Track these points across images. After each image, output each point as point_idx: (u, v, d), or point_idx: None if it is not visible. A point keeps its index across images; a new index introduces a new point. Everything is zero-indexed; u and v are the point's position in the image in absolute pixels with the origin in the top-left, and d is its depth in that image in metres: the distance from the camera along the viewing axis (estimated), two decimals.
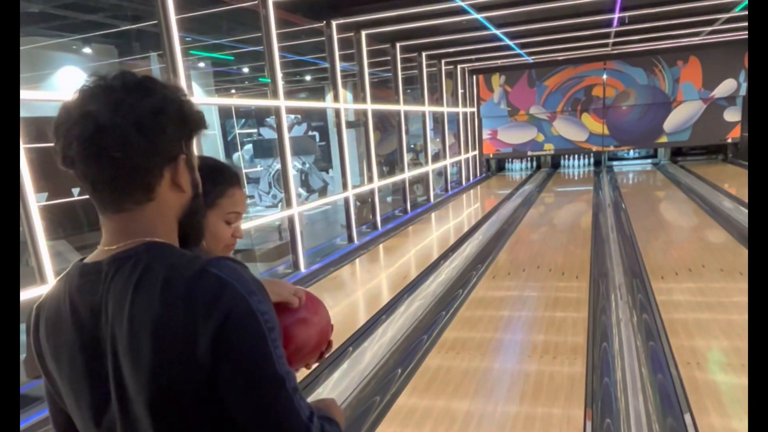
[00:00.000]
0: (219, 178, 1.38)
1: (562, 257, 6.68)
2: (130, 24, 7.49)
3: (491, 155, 16.49)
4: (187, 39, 8.31)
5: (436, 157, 13.03)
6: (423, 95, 11.38)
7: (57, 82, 8.36)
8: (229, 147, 18.29)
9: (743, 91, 14.00)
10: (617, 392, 3.32)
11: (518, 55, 12.86)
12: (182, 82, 4.92)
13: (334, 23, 7.53)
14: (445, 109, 13.12)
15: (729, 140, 14.51)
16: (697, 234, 7.73)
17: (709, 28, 10.79)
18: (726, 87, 14.14)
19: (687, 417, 2.97)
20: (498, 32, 9.39)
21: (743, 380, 3.35)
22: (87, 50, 8.62)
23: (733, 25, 10.61)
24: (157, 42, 5.01)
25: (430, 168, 11.56)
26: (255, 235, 8.47)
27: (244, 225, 6.39)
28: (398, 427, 3.17)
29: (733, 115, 14.31)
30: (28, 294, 3.28)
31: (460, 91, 14.46)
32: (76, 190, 5.36)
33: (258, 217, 7.74)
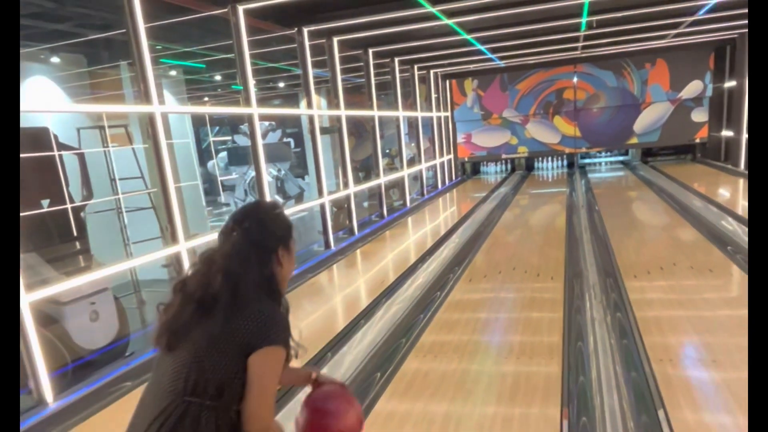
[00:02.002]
0: (291, 228, 1.72)
1: (538, 258, 6.75)
2: (99, 33, 7.38)
3: (466, 159, 16.61)
4: (158, 47, 8.23)
5: (412, 162, 13.08)
6: (397, 100, 11.43)
7: (25, 93, 8.21)
8: (204, 155, 18.16)
9: (709, 92, 14.33)
10: (593, 391, 3.36)
11: (490, 60, 13.00)
12: (152, 91, 4.88)
13: (305, 30, 7.52)
14: (419, 114, 13.18)
15: (697, 140, 14.84)
16: (668, 233, 7.88)
17: (674, 31, 11.04)
18: (693, 88, 14.46)
19: (661, 413, 3.02)
20: (469, 37, 9.48)
21: (714, 375, 3.43)
22: (55, 60, 8.48)
23: (697, 28, 10.87)
24: (127, 51, 4.95)
25: (405, 173, 11.60)
26: None
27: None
28: None
29: (700, 115, 14.64)
30: None
31: (433, 95, 14.54)
32: (45, 202, 5.27)
33: None
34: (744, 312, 4.56)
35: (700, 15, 9.29)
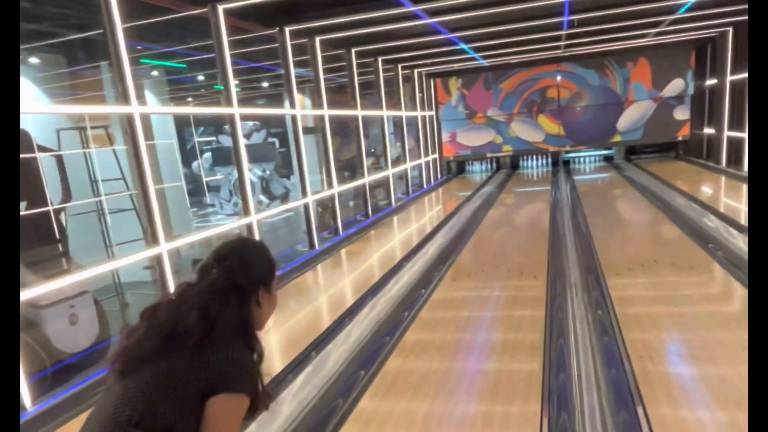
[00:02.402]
0: (273, 268, 1.70)
1: (521, 256, 6.78)
2: (78, 33, 7.30)
3: (451, 157, 16.65)
4: (138, 48, 8.15)
5: (397, 161, 13.08)
6: (381, 100, 11.42)
7: None
8: (188, 155, 18.04)
9: (691, 90, 14.49)
10: (573, 388, 3.38)
11: (473, 59, 13.04)
12: (131, 91, 4.83)
13: (287, 29, 7.49)
14: (404, 113, 13.19)
15: (680, 138, 14.99)
16: (650, 230, 7.95)
17: (655, 30, 11.14)
18: (674, 86, 14.61)
19: (639, 409, 3.04)
20: (451, 36, 9.50)
21: (693, 371, 3.46)
22: (34, 60, 8.38)
23: (678, 26, 10.97)
24: (106, 51, 4.90)
25: (390, 172, 11.60)
26: (216, 245, 8.35)
27: (204, 234, 6.30)
28: (360, 430, 3.16)
29: (682, 113, 14.79)
30: None
31: (418, 94, 14.55)
32: (23, 204, 5.20)
33: (217, 225, 7.63)
34: (724, 308, 4.63)
35: (680, 14, 9.38)
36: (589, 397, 3.26)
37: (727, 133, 12.29)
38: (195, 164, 17.23)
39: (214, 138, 18.53)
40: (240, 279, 1.57)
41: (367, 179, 10.22)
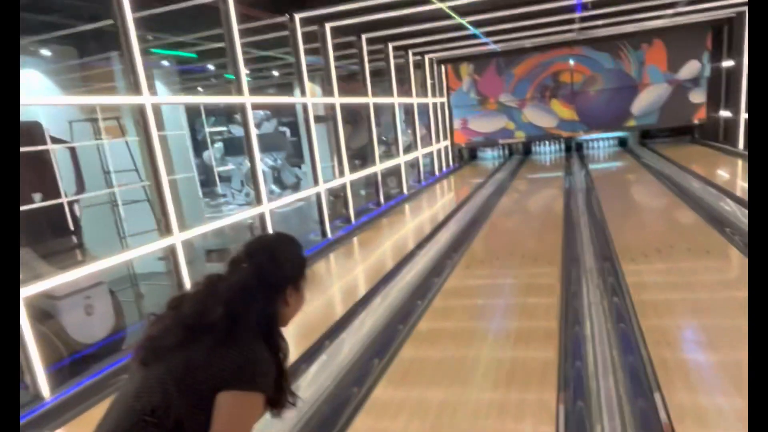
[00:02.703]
0: (304, 267, 1.71)
1: (535, 243, 6.73)
2: (88, 24, 7.30)
3: (463, 144, 16.54)
4: (148, 37, 8.15)
5: (408, 149, 13.02)
6: (392, 87, 11.35)
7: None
8: (199, 146, 18.09)
9: (707, 72, 14.23)
10: (589, 375, 3.35)
11: (485, 44, 12.89)
12: (142, 81, 4.83)
13: (297, 17, 7.44)
14: (415, 100, 13.11)
15: (696, 121, 14.76)
16: (665, 215, 7.86)
17: (672, 11, 10.93)
18: (690, 69, 14.35)
19: (657, 396, 3.01)
20: (463, 21, 9.39)
21: (710, 357, 3.42)
22: (46, 52, 8.40)
23: (694, 7, 10.76)
24: (117, 41, 4.90)
25: (402, 160, 11.55)
26: (228, 234, 8.39)
27: (216, 224, 6.31)
28: (375, 419, 3.16)
29: (698, 96, 14.53)
30: None
31: (429, 81, 14.45)
32: (37, 196, 5.24)
33: (229, 215, 7.65)
34: (741, 294, 4.56)
35: None
36: (606, 384, 3.23)
37: (744, 115, 12.07)
38: (206, 154, 17.27)
39: (225, 128, 18.55)
40: (270, 276, 1.55)
41: (379, 167, 10.18)
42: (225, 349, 1.42)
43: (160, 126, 6.57)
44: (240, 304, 1.48)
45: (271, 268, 1.56)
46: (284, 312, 1.62)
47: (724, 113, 13.69)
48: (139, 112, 4.93)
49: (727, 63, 13.44)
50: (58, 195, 5.44)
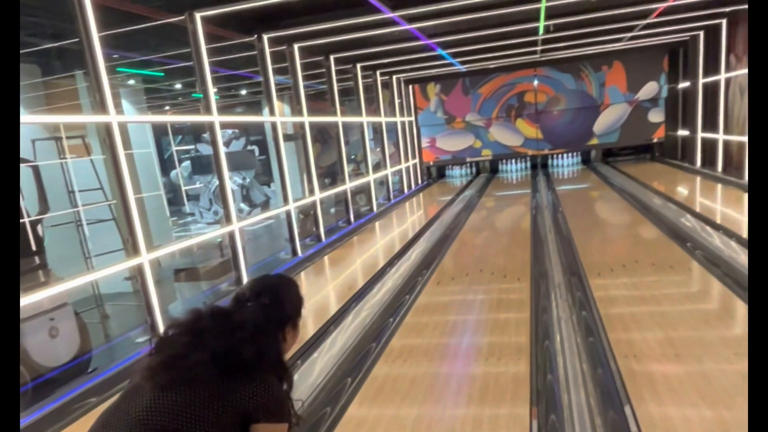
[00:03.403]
0: (302, 306, 1.80)
1: (504, 259, 6.82)
2: (52, 42, 7.19)
3: (431, 163, 16.72)
4: (114, 56, 8.06)
5: (377, 167, 13.09)
6: (360, 106, 11.43)
7: None
8: (167, 164, 17.86)
9: (664, 92, 14.77)
10: (560, 389, 3.40)
11: (451, 65, 13.12)
12: (108, 100, 4.77)
13: (265, 37, 7.46)
14: (383, 119, 13.21)
15: (655, 140, 15.25)
16: (629, 231, 8.05)
17: (629, 34, 11.32)
18: (649, 89, 14.87)
19: (627, 408, 3.07)
20: (429, 42, 9.55)
21: (677, 368, 3.50)
22: None
23: (651, 30, 11.17)
24: (82, 60, 4.83)
25: (371, 178, 11.60)
26: (197, 253, 8.28)
27: (185, 243, 6.22)
28: None
29: (656, 116, 15.06)
30: None
31: (396, 100, 14.60)
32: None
33: (198, 234, 7.56)
34: (705, 306, 4.70)
35: (652, 18, 9.55)
36: (577, 397, 3.28)
37: (701, 134, 12.52)
38: (174, 173, 17.05)
39: (192, 146, 18.37)
40: (275, 315, 1.68)
41: (349, 185, 10.21)
42: (246, 383, 1.52)
43: (127, 144, 6.49)
44: (262, 342, 1.59)
45: (276, 308, 1.69)
46: (282, 347, 1.74)
47: (682, 132, 14.17)
48: (106, 130, 4.86)
49: (683, 84, 13.95)
50: (20, 215, 5.29)
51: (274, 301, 1.69)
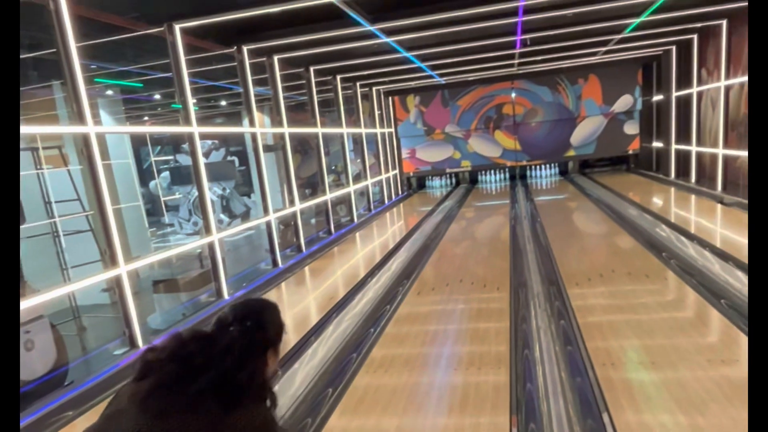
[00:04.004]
0: (283, 332, 1.79)
1: (484, 269, 6.88)
2: (28, 53, 7.11)
3: (411, 173, 16.82)
4: (92, 67, 7.99)
5: (358, 178, 13.12)
6: (340, 117, 11.47)
7: None
8: (145, 175, 17.68)
9: (639, 105, 15.08)
10: (540, 398, 3.44)
11: (430, 77, 13.25)
12: (86, 111, 4.74)
13: (245, 49, 7.48)
14: (363, 130, 13.27)
15: (630, 151, 15.55)
16: (606, 241, 8.18)
17: (604, 48, 11.56)
18: (623, 102, 15.17)
19: (605, 416, 3.12)
20: (408, 55, 9.64)
21: (653, 376, 3.57)
22: None
23: (625, 45, 11.42)
24: (59, 70, 4.80)
25: (351, 188, 11.62)
26: (176, 265, 8.19)
27: (164, 254, 6.17)
28: None
29: (632, 128, 15.36)
30: None
31: (376, 112, 14.68)
32: None
33: (176, 245, 7.49)
34: (680, 314, 4.79)
35: (627, 33, 9.77)
36: (556, 405, 3.33)
37: (674, 146, 12.79)
38: (152, 184, 16.88)
39: (171, 157, 18.22)
40: (259, 339, 1.67)
41: (329, 196, 10.22)
42: (243, 412, 1.53)
43: (105, 155, 6.43)
44: (250, 366, 1.61)
45: (259, 333, 1.68)
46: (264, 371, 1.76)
47: (657, 144, 14.46)
48: (84, 141, 4.82)
49: (657, 97, 14.25)
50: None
51: (258, 325, 1.69)
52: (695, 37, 11.25)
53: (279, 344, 1.78)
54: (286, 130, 8.64)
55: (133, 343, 5.03)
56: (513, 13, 7.34)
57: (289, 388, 3.94)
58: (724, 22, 9.78)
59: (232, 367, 1.56)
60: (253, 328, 1.67)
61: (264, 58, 8.31)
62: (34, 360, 4.61)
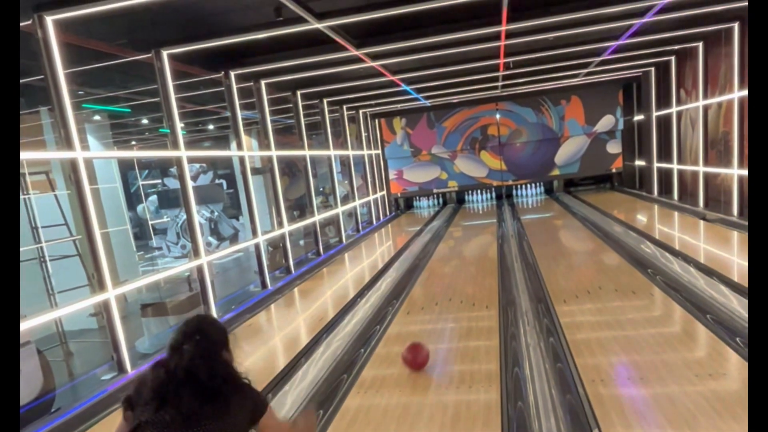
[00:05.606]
0: (227, 332, 2.08)
1: (473, 288, 6.91)
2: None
3: (399, 194, 16.93)
4: (79, 93, 8.01)
5: (346, 199, 13.17)
6: (327, 140, 11.56)
7: None
8: (133, 198, 17.62)
9: (621, 125, 15.36)
10: (531, 415, 3.46)
11: (416, 99, 13.41)
12: (74, 136, 4.76)
13: (232, 74, 7.55)
14: (351, 152, 13.36)
15: (614, 170, 15.79)
16: (592, 258, 8.26)
17: (585, 71, 11.80)
18: (606, 122, 15.45)
19: None
20: (394, 78, 9.78)
21: (642, 391, 3.61)
22: None
23: (605, 67, 11.67)
24: (46, 96, 4.83)
25: (340, 210, 11.66)
26: (164, 288, 8.14)
27: (152, 278, 6.15)
28: None
29: (614, 147, 15.63)
30: None
31: (363, 134, 14.80)
32: None
33: (164, 268, 7.46)
34: (667, 330, 4.85)
35: (606, 56, 9.99)
36: (547, 422, 3.35)
37: (656, 164, 13.01)
38: (140, 207, 16.82)
39: (159, 180, 18.19)
40: (210, 346, 1.96)
41: (317, 217, 10.25)
42: (234, 402, 1.91)
43: (93, 179, 6.43)
44: (216, 366, 1.92)
45: (207, 342, 1.96)
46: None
47: (639, 162, 14.69)
48: (71, 166, 4.84)
49: (638, 117, 14.52)
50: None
51: (203, 336, 1.95)
52: (673, 58, 11.53)
53: (228, 344, 2.06)
54: (274, 153, 8.69)
55: (121, 368, 5.00)
56: (496, 37, 7.50)
57: (280, 411, 3.93)
58: (701, 45, 10.04)
59: (206, 377, 1.85)
60: (203, 340, 1.94)
61: (251, 83, 8.39)
62: (21, 386, 4.56)
